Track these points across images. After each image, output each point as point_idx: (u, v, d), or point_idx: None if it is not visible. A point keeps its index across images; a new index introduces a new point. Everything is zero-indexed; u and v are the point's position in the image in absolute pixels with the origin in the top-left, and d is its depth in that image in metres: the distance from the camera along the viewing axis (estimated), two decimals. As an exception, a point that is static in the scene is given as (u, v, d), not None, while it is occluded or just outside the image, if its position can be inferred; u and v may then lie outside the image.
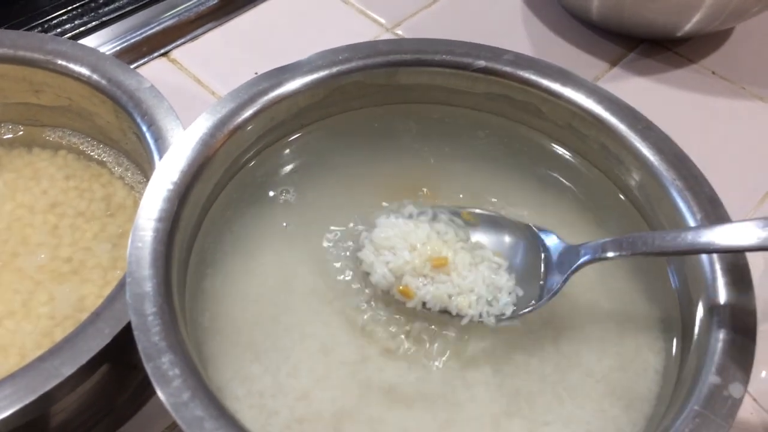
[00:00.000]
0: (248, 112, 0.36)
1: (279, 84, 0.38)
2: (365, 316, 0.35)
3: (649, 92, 0.57)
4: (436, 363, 0.34)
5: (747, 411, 0.40)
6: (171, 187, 0.33)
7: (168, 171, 0.33)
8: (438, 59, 0.40)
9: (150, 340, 0.28)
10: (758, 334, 0.40)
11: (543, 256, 0.36)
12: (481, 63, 0.39)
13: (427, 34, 0.60)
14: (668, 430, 0.27)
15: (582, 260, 0.34)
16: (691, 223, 0.33)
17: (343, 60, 0.39)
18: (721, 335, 0.30)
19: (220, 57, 0.58)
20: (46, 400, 0.29)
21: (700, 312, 0.32)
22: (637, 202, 0.38)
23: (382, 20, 0.62)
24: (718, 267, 0.32)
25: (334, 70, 0.39)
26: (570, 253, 0.35)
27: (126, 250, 0.31)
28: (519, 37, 0.61)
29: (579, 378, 0.33)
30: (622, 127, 0.37)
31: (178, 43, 0.58)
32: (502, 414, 0.32)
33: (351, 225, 0.38)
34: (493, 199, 0.40)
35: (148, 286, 0.29)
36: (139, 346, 0.27)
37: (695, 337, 0.31)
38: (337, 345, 0.34)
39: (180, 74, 0.56)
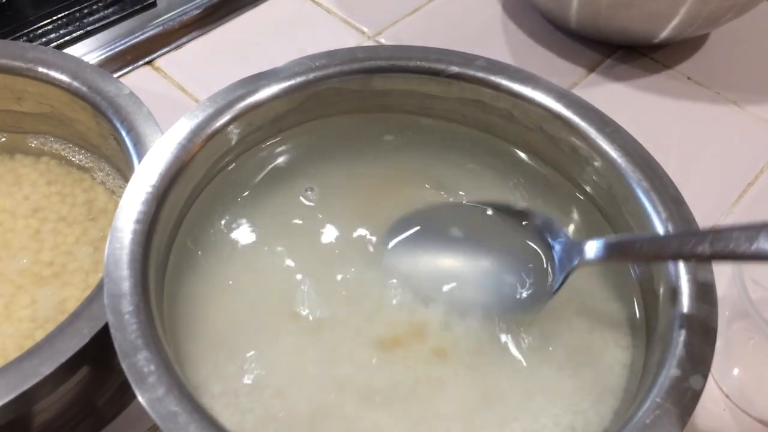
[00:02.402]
0: (226, 117, 0.37)
1: (256, 90, 0.38)
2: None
3: (626, 97, 0.58)
4: (411, 360, 0.34)
5: (720, 408, 0.41)
6: (149, 189, 0.33)
7: (146, 174, 0.34)
8: (412, 65, 0.40)
9: (126, 338, 0.28)
10: (729, 333, 0.41)
11: (546, 250, 0.35)
12: (454, 69, 0.40)
13: (408, 42, 0.61)
14: (631, 420, 0.28)
15: (579, 260, 0.33)
16: (656, 222, 0.34)
17: (319, 66, 0.40)
18: (683, 330, 0.30)
19: (204, 65, 0.58)
20: (25, 399, 0.29)
21: (663, 307, 0.33)
22: (603, 202, 0.39)
23: (365, 29, 0.63)
24: (681, 264, 0.33)
25: (311, 76, 0.40)
26: (572, 250, 0.34)
27: (106, 253, 0.32)
28: (499, 45, 0.62)
29: (549, 373, 0.34)
30: (590, 130, 0.38)
31: (163, 51, 0.59)
32: (474, 409, 0.33)
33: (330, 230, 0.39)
34: (461, 192, 0.41)
35: (125, 286, 0.30)
36: (116, 344, 0.28)
37: (659, 331, 0.32)
38: (312, 344, 0.34)
39: (164, 82, 0.57)
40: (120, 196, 0.42)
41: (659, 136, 0.54)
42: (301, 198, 0.40)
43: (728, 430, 0.40)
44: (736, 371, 0.42)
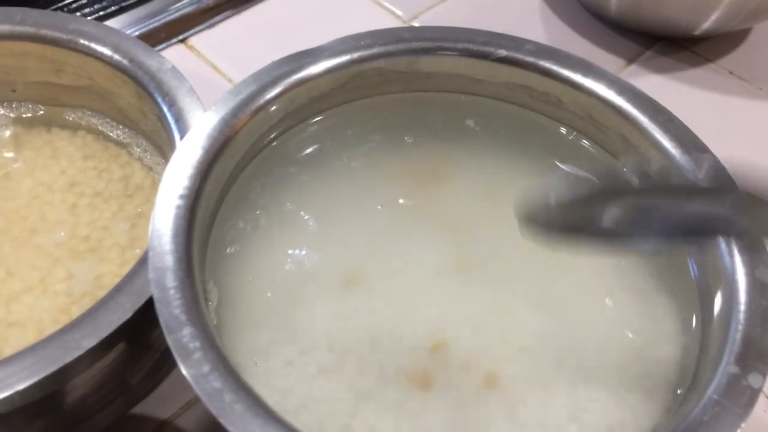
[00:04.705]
0: (270, 94, 0.36)
1: (301, 67, 0.38)
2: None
3: (665, 90, 0.57)
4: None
5: (761, 409, 0.40)
6: (194, 164, 0.33)
7: (190, 149, 0.33)
8: (459, 47, 0.39)
9: (171, 313, 0.28)
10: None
11: None
12: (502, 52, 0.39)
13: (443, 28, 0.60)
14: (687, 417, 0.27)
15: None
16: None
17: (365, 45, 0.39)
18: (741, 326, 0.30)
19: (238, 45, 0.58)
20: (65, 373, 0.29)
21: (718, 303, 0.32)
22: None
23: (399, 12, 0.62)
24: (738, 259, 0.32)
25: (356, 55, 0.39)
26: None
27: (143, 230, 0.31)
28: (536, 33, 0.61)
29: (597, 368, 0.33)
30: (643, 119, 0.37)
31: (196, 30, 0.59)
32: (521, 396, 0.32)
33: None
34: (509, 189, 0.40)
35: (170, 261, 0.29)
36: (161, 319, 0.28)
37: (714, 328, 0.31)
38: (356, 324, 0.34)
39: (197, 61, 0.56)
40: (157, 173, 0.42)
41: (698, 130, 0.53)
42: (343, 174, 0.39)
43: (769, 431, 0.40)
44: (777, 372, 0.41)
